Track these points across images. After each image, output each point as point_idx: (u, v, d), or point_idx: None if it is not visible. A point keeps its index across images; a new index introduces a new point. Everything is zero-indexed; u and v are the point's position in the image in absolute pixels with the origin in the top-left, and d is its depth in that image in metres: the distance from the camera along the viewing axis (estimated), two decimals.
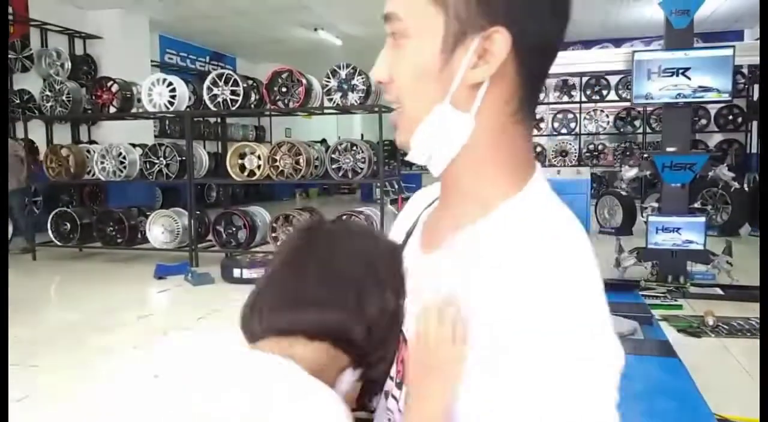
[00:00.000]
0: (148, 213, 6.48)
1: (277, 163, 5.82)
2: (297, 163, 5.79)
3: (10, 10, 8.29)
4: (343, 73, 5.77)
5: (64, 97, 6.63)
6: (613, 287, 3.53)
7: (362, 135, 15.58)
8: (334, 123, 17.67)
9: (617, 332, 0.64)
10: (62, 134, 8.77)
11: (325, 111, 6.07)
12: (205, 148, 7.16)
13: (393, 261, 0.72)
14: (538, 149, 11.90)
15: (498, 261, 0.59)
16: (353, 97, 5.73)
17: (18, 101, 8.23)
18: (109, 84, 6.50)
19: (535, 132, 11.89)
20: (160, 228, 6.25)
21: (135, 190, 8.63)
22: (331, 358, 0.68)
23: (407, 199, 1.09)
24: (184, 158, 6.15)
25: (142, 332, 3.84)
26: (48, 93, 6.71)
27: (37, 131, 8.18)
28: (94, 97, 6.53)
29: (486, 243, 0.62)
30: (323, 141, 11.04)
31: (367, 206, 6.48)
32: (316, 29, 11.42)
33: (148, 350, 3.48)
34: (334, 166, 5.76)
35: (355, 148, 5.75)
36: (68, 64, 8.95)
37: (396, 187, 7.81)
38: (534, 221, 0.61)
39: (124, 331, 3.88)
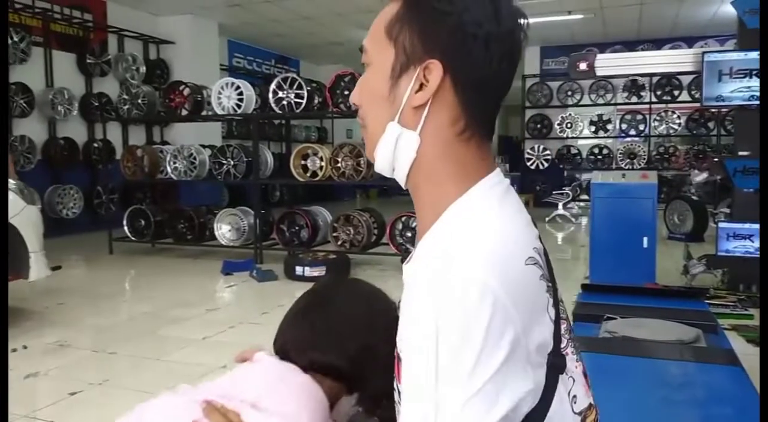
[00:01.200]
0: (215, 211, 6.76)
1: (339, 164, 5.94)
2: (358, 164, 5.90)
3: (90, 17, 8.82)
4: None
5: (139, 100, 6.99)
6: (678, 294, 3.45)
7: None
8: None
9: (679, 339, 0.69)
10: (137, 135, 9.24)
11: None
12: (270, 149, 7.38)
13: (384, 318, 0.94)
14: (605, 151, 11.59)
15: (411, 271, 0.70)
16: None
17: (97, 104, 8.73)
18: (181, 87, 6.81)
19: (602, 134, 11.61)
20: (227, 226, 6.51)
21: (203, 189, 9.00)
22: (331, 388, 0.97)
23: None
24: (250, 159, 6.38)
25: (211, 324, 4.03)
26: (125, 96, 7.09)
27: (113, 132, 8.66)
28: (167, 100, 6.86)
29: (417, 251, 0.73)
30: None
31: None
32: None
33: (216, 341, 3.66)
34: None
35: None
36: (143, 69, 9.43)
37: None
38: (438, 234, 0.69)
39: (194, 323, 4.09)
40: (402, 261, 4.37)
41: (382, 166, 0.77)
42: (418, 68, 0.71)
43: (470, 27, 0.69)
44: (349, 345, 0.98)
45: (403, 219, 5.77)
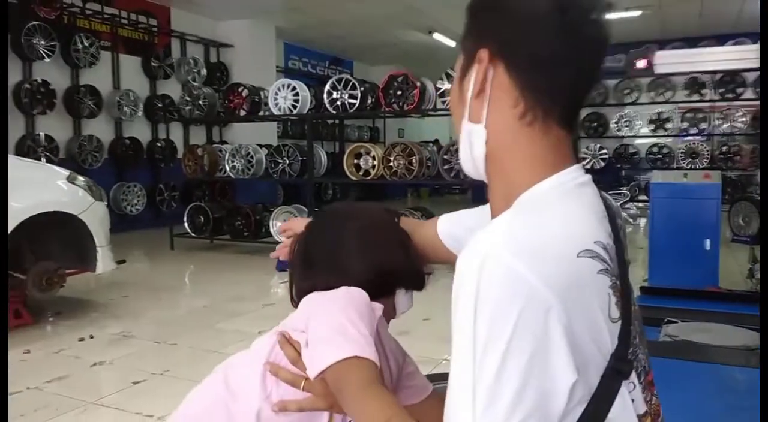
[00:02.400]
0: (271, 209, 6.91)
1: (391, 164, 5.98)
2: (410, 163, 5.92)
3: (155, 22, 9.16)
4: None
5: (200, 101, 7.23)
6: (742, 298, 3.31)
7: None
8: (446, 124, 17.72)
9: (744, 345, 0.67)
10: (198, 135, 9.54)
11: (438, 113, 6.15)
12: (323, 148, 7.49)
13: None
14: (664, 151, 11.22)
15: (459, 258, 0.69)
16: None
17: (160, 105, 9.07)
18: (239, 89, 7.00)
19: (661, 132, 11.23)
20: (281, 224, 6.64)
21: (259, 187, 9.20)
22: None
23: None
24: (304, 158, 6.49)
25: (266, 318, 4.13)
26: (187, 97, 7.33)
27: (175, 132, 8.98)
28: (227, 101, 7.06)
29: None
30: (436, 141, 11.13)
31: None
32: (430, 32, 11.54)
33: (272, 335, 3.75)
34: (446, 167, 5.83)
35: None
36: (204, 71, 9.73)
37: None
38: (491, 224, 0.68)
39: (251, 317, 4.20)
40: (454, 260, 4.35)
41: (466, 168, 0.79)
42: (474, 63, 0.74)
43: (516, 6, 0.71)
44: (352, 264, 1.01)
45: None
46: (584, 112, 11.75)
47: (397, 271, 1.03)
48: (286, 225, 1.27)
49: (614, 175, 11.28)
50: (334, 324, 0.88)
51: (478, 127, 0.74)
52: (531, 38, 0.70)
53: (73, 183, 4.03)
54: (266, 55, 10.69)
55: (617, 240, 0.71)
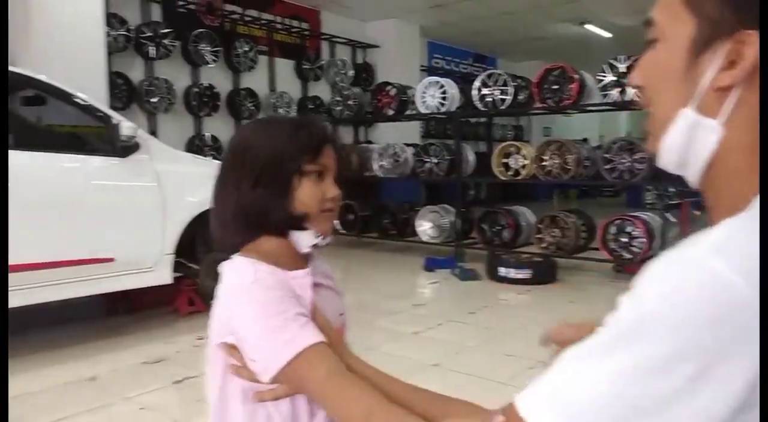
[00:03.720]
0: (416, 208, 6.88)
1: (545, 163, 5.68)
2: (565, 162, 5.58)
3: (307, 26, 9.53)
4: (621, 67, 5.38)
5: (350, 102, 7.38)
6: None
7: (628, 134, 14.49)
8: (596, 120, 16.76)
9: None
10: (345, 135, 9.80)
11: (601, 108, 5.74)
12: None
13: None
14: None
15: None
16: (631, 92, 5.31)
17: (311, 106, 9.42)
18: (388, 88, 7.04)
19: None
20: (428, 223, 6.58)
21: (403, 186, 9.23)
22: (278, 243, 0.98)
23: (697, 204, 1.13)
24: (452, 157, 6.37)
25: (419, 319, 4.07)
26: (337, 98, 7.52)
27: None
28: (375, 101, 7.14)
29: None
30: (585, 140, 10.52)
31: (641, 211, 5.96)
32: (582, 23, 10.93)
33: (427, 337, 3.67)
34: (606, 167, 5.42)
35: (632, 146, 5.33)
36: (351, 72, 9.96)
37: (674, 191, 7.05)
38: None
39: (403, 317, 4.16)
40: (615, 269, 4.02)
41: (668, 160, 0.64)
42: (727, 41, 0.57)
43: None
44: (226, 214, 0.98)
45: (617, 222, 5.32)
46: None
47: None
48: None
49: None
50: (263, 323, 0.84)
51: (711, 123, 0.59)
52: None
53: None
54: (411, 54, 10.74)
55: None
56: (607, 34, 11.40)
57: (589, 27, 11.04)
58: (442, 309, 4.53)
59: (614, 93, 5.42)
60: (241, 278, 0.91)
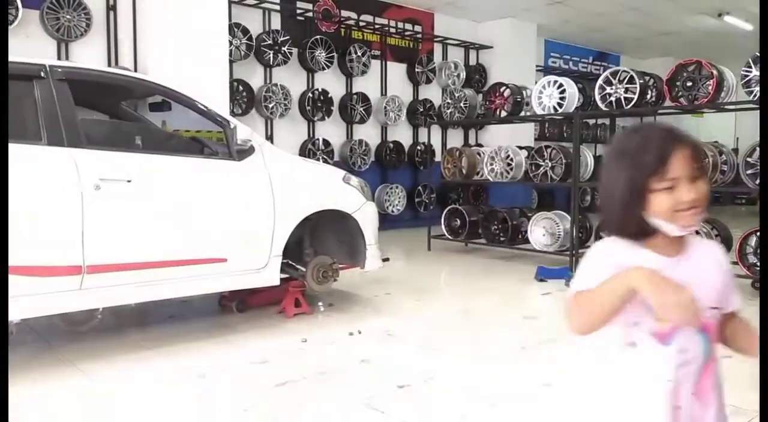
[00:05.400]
0: (528, 214, 6.58)
1: None
2: None
3: (420, 29, 9.48)
4: None
5: (461, 104, 7.22)
6: None
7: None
8: (730, 121, 15.31)
9: None
10: (455, 138, 9.65)
11: (742, 106, 5.17)
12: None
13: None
14: None
15: None
16: None
17: (422, 109, 9.36)
18: (501, 89, 6.81)
19: None
20: (541, 230, 6.27)
21: (513, 191, 8.93)
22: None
23: None
24: (568, 161, 6.02)
25: (529, 333, 3.84)
26: (448, 100, 7.39)
27: (434, 135, 9.18)
28: (487, 102, 6.93)
29: None
30: (715, 143, 9.57)
31: None
32: (720, 15, 9.99)
33: (534, 353, 3.44)
34: (749, 172, 4.85)
35: None
36: (463, 74, 9.79)
37: None
38: None
39: (511, 330, 3.94)
40: (753, 286, 3.67)
41: None
42: None
43: None
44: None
45: (758, 234, 4.75)
46: None
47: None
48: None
49: None
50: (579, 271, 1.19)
51: None
52: None
53: (348, 183, 4.22)
54: (526, 54, 10.36)
55: None
56: (748, 26, 10.35)
57: (728, 19, 10.07)
58: (554, 323, 4.24)
59: (758, 89, 4.84)
60: (595, 248, 1.21)
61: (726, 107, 5.49)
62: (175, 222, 3.35)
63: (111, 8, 6.35)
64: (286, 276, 4.11)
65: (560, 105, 6.08)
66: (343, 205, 4.09)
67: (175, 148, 3.71)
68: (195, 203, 3.45)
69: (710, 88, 5.05)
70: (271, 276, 3.74)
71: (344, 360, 3.31)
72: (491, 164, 6.64)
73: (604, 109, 5.76)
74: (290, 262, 4.10)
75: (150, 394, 2.83)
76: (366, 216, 4.21)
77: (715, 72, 5.07)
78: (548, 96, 6.16)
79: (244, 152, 3.70)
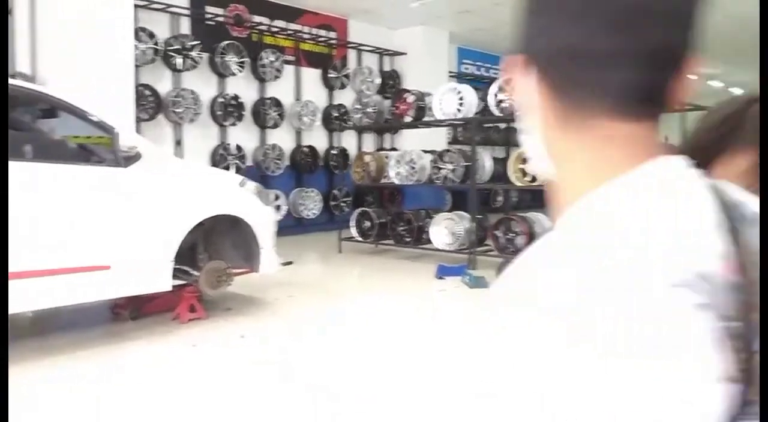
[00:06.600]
0: (433, 215, 6.84)
1: None
2: None
3: (334, 35, 9.63)
4: None
5: (369, 109, 7.41)
6: None
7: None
8: None
9: None
10: (370, 143, 9.85)
11: None
12: (494, 153, 7.25)
13: None
14: None
15: None
16: None
17: (336, 114, 9.51)
18: (405, 95, 7.04)
19: None
20: (443, 230, 6.53)
21: (428, 193, 9.21)
22: None
23: None
24: (468, 163, 6.31)
25: (418, 325, 4.04)
26: (357, 106, 7.57)
27: (350, 140, 9.37)
28: (394, 108, 7.15)
29: None
30: None
31: None
32: None
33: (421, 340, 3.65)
34: None
35: None
36: (378, 80, 10.01)
37: None
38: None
39: (410, 323, 4.14)
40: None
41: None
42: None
43: None
44: None
45: None
46: None
47: None
48: None
49: None
50: None
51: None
52: (535, 30, 0.61)
53: (244, 188, 4.31)
54: (438, 60, 10.69)
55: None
56: None
57: None
58: (446, 317, 4.48)
59: None
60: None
61: None
62: (52, 231, 3.34)
63: (9, 12, 6.16)
64: (183, 282, 4.15)
65: (459, 110, 6.37)
66: (237, 210, 4.17)
67: (62, 156, 3.69)
68: (75, 211, 3.45)
69: None
70: (161, 282, 3.78)
71: (232, 364, 3.40)
72: (397, 167, 6.87)
73: (498, 114, 6.08)
74: (184, 268, 4.14)
75: (30, 404, 2.83)
76: (261, 220, 4.30)
77: None
78: (448, 102, 6.44)
79: (130, 158, 3.72)
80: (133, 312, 4.19)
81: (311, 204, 8.98)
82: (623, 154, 0.56)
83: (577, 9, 0.55)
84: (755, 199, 0.60)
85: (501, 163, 7.84)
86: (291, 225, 8.48)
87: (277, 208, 8.34)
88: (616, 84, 0.55)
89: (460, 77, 11.64)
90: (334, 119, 9.46)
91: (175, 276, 3.93)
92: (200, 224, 4.01)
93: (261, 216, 4.32)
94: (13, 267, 3.16)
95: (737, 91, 17.44)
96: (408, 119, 7.02)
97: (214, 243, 4.34)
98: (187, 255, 4.10)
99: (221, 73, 8.08)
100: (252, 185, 4.41)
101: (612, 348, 0.44)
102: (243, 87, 8.36)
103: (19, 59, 6.25)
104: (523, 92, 0.61)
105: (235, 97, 8.16)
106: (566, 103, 0.58)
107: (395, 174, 6.87)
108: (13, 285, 3.17)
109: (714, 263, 0.48)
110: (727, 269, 0.48)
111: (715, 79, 15.79)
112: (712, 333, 0.45)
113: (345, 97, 9.71)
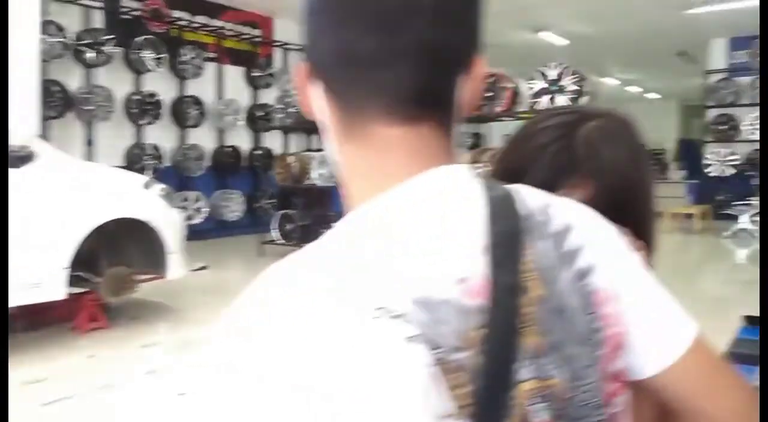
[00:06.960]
0: None
1: (479, 170, 5.63)
2: None
3: (259, 33, 9.42)
4: (552, 74, 5.37)
5: (292, 109, 7.28)
6: None
7: None
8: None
9: None
10: (298, 143, 9.70)
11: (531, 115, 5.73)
12: None
13: None
14: None
15: None
16: (562, 99, 5.30)
17: (261, 114, 9.30)
18: None
19: None
20: None
21: None
22: None
23: None
24: None
25: None
26: (280, 105, 7.42)
27: (276, 141, 9.19)
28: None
29: None
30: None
31: None
32: (538, 31, 10.97)
33: None
34: None
35: None
36: None
37: None
38: None
39: None
40: None
41: None
42: None
43: None
44: None
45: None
46: (712, 114, 10.60)
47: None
48: None
49: (743, 184, 10.02)
50: None
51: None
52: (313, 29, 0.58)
53: (150, 190, 4.11)
54: None
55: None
56: (564, 42, 11.45)
57: (544, 35, 11.08)
58: None
59: (544, 100, 5.40)
60: None
61: (521, 116, 6.03)
62: None
63: None
64: (82, 290, 3.91)
65: None
66: (141, 213, 3.97)
67: None
68: None
69: (506, 98, 5.54)
70: (54, 290, 3.54)
71: (127, 375, 3.22)
72: (320, 169, 6.77)
73: None
74: (82, 275, 3.90)
75: None
76: (168, 224, 4.11)
77: (510, 85, 5.56)
78: None
79: (22, 159, 3.47)
80: (26, 322, 3.90)
81: (234, 206, 8.74)
82: (401, 162, 0.53)
83: (344, 12, 0.53)
84: (567, 206, 0.56)
85: None
86: (212, 229, 8.23)
87: (197, 210, 8.07)
88: (388, 85, 0.52)
89: None
90: (258, 119, 9.25)
91: (73, 284, 3.69)
92: (101, 228, 3.78)
93: (167, 220, 4.13)
94: None
95: (653, 96, 18.35)
96: None
97: (120, 249, 4.11)
98: (88, 261, 3.87)
99: (137, 69, 7.73)
100: (158, 187, 4.22)
101: (310, 389, 0.40)
102: (161, 84, 8.03)
103: None
104: (313, 99, 0.59)
105: (152, 95, 7.84)
106: (345, 109, 0.56)
107: (318, 175, 6.78)
108: None
109: (449, 288, 0.43)
110: (465, 293, 0.43)
111: (633, 84, 16.54)
112: (423, 368, 0.40)
113: (270, 97, 9.51)
